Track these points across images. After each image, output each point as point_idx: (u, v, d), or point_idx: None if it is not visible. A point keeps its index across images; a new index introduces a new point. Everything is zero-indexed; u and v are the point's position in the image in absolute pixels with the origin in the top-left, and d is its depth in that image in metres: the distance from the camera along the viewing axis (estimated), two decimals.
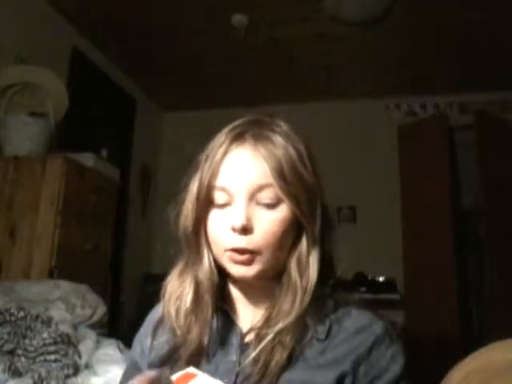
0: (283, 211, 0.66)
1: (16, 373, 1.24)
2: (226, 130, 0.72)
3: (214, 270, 0.70)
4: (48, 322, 1.45)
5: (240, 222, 0.64)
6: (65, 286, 1.79)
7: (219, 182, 0.67)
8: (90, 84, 3.34)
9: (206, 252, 0.70)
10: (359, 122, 4.06)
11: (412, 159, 3.76)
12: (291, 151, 0.68)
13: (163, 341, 0.72)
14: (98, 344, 1.50)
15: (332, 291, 0.71)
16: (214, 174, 0.68)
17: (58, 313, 1.58)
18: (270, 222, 0.65)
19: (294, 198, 0.66)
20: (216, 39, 3.25)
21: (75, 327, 1.56)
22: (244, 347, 0.67)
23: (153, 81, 3.96)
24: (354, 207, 3.98)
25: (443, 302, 3.32)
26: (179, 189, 0.73)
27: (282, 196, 0.65)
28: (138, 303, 3.68)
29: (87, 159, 2.30)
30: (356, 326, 0.66)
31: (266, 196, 0.66)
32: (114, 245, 2.59)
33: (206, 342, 0.67)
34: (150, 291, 3.81)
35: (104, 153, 2.63)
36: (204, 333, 0.68)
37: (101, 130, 3.50)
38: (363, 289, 3.43)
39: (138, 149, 4.05)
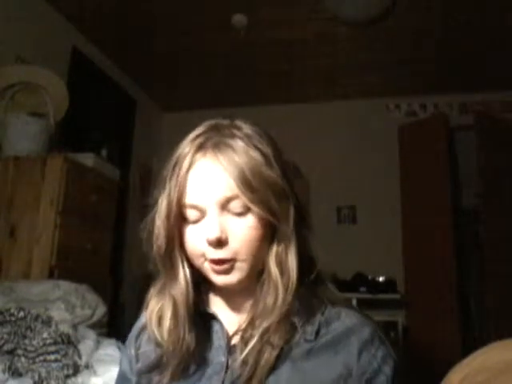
0: (255, 217, 0.66)
1: (16, 373, 1.24)
2: (188, 138, 0.71)
3: (190, 286, 0.71)
4: (48, 322, 1.45)
5: (214, 235, 0.64)
6: (65, 286, 1.79)
7: (188, 199, 0.67)
8: (89, 84, 3.34)
9: (180, 268, 0.71)
10: (359, 122, 4.06)
11: (412, 159, 3.76)
12: (254, 155, 0.67)
13: (149, 349, 0.72)
14: (98, 344, 1.50)
15: (319, 290, 0.71)
16: (181, 192, 0.68)
17: (57, 313, 1.58)
18: (243, 229, 0.66)
19: (262, 203, 0.65)
20: (216, 39, 3.25)
21: (75, 327, 1.56)
22: (231, 349, 0.68)
23: (153, 81, 3.96)
24: (354, 207, 3.98)
25: (443, 302, 3.32)
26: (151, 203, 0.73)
27: (249, 204, 0.65)
28: (137, 303, 3.68)
29: (87, 159, 2.30)
30: (344, 327, 0.66)
31: (236, 206, 0.66)
32: (114, 245, 2.59)
33: (191, 349, 0.68)
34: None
35: (104, 153, 2.63)
36: (189, 343, 0.68)
37: (101, 130, 3.49)
38: (363, 289, 3.43)
39: (138, 149, 4.05)
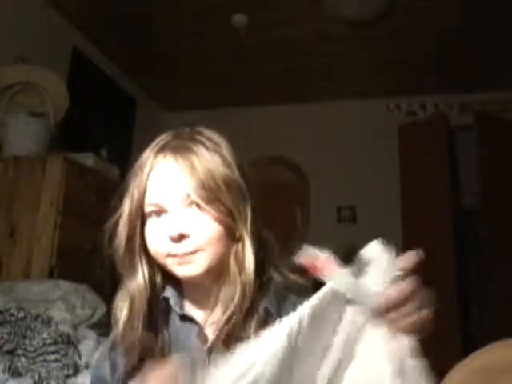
0: (212, 211, 0.69)
1: (16, 373, 1.24)
2: (150, 146, 0.77)
3: (148, 284, 0.73)
4: (48, 322, 1.45)
5: (176, 232, 0.68)
6: (65, 286, 1.79)
7: (149, 199, 0.71)
8: (90, 84, 3.34)
9: (139, 266, 0.74)
10: (359, 122, 4.05)
11: (412, 159, 3.76)
12: (212, 157, 0.72)
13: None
14: (97, 344, 1.50)
15: (282, 278, 0.75)
16: (142, 193, 0.72)
17: (58, 313, 1.58)
18: (203, 223, 0.69)
19: (216, 202, 0.69)
20: (216, 39, 3.25)
21: (75, 327, 1.56)
22: (204, 343, 0.71)
23: (153, 81, 3.96)
24: (354, 207, 3.98)
25: (443, 302, 3.31)
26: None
27: (200, 203, 0.69)
28: None
29: (87, 159, 2.30)
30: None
31: (194, 203, 0.69)
32: None
33: (154, 347, 0.71)
34: None
35: (104, 153, 2.63)
36: (146, 341, 0.71)
37: (101, 130, 3.49)
38: None
39: (137, 149, 4.03)
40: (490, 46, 3.23)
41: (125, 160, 3.80)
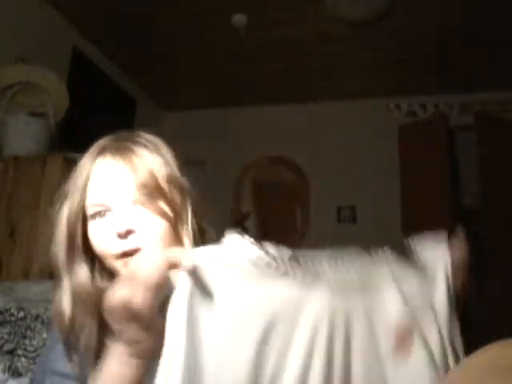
0: (158, 209, 0.71)
1: (16, 373, 1.24)
2: (89, 150, 0.78)
3: (89, 281, 0.74)
4: (48, 323, 1.45)
5: (123, 228, 0.69)
6: None
7: (92, 200, 0.72)
8: (89, 84, 3.34)
9: (79, 265, 0.74)
10: (359, 122, 4.06)
11: (412, 159, 3.76)
12: (152, 155, 0.75)
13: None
14: None
15: None
16: (83, 194, 0.72)
17: None
18: (148, 219, 0.70)
19: (162, 199, 0.72)
20: (216, 39, 3.25)
21: None
22: None
23: (153, 81, 3.96)
24: (354, 207, 3.98)
25: None
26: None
27: (148, 203, 0.70)
28: None
29: None
30: None
31: (135, 200, 0.71)
32: None
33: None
34: None
35: None
36: (91, 333, 0.71)
37: (101, 130, 3.48)
38: None
39: None
40: (490, 46, 3.23)
41: None
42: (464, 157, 3.89)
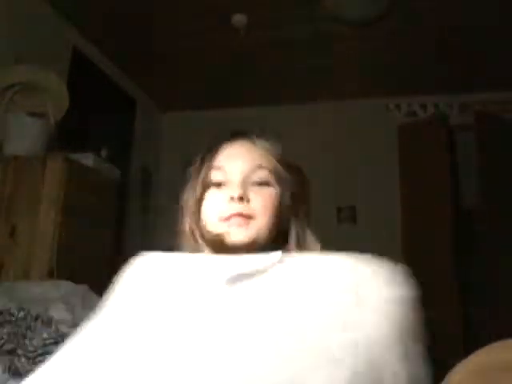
0: (272, 189, 0.77)
1: (16, 373, 1.24)
2: (213, 140, 0.84)
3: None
4: (48, 322, 1.45)
5: (238, 193, 0.73)
6: (65, 285, 1.79)
7: (217, 162, 0.78)
8: (89, 84, 3.34)
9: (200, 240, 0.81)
10: (359, 122, 4.05)
11: (412, 159, 3.76)
12: (274, 149, 0.83)
13: None
14: None
15: None
16: (212, 160, 0.79)
17: (57, 313, 1.58)
18: (262, 195, 0.76)
19: (280, 177, 0.79)
20: (216, 39, 3.25)
21: (75, 327, 1.56)
22: None
23: (153, 81, 3.95)
24: (354, 207, 3.98)
25: (443, 302, 3.32)
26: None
27: (271, 175, 0.77)
28: None
29: (87, 159, 2.30)
30: None
31: (257, 176, 0.77)
32: (114, 245, 2.59)
33: None
34: None
35: (104, 153, 2.63)
36: None
37: (101, 130, 3.49)
38: None
39: (138, 149, 4.05)
40: (490, 46, 3.23)
41: (125, 160, 3.81)
42: (464, 157, 3.89)
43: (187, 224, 0.82)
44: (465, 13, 2.87)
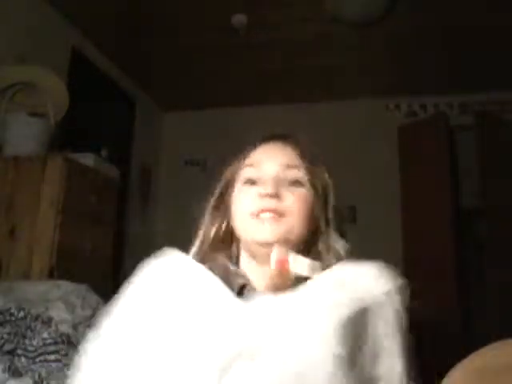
0: (305, 191, 0.76)
1: (16, 373, 1.24)
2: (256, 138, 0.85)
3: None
4: (48, 322, 1.45)
5: (271, 189, 0.72)
6: (65, 285, 1.78)
7: (250, 160, 0.79)
8: (89, 84, 3.34)
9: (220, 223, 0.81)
10: (359, 122, 4.05)
11: (412, 159, 3.76)
12: (312, 151, 0.83)
13: None
14: None
15: None
16: (245, 158, 0.80)
17: (57, 313, 1.58)
18: (295, 195, 0.75)
19: (314, 179, 0.77)
20: (216, 39, 3.25)
21: (75, 327, 1.56)
22: None
23: (153, 81, 3.96)
24: (354, 207, 3.98)
25: (443, 302, 3.32)
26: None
27: (305, 175, 0.76)
28: None
29: (87, 159, 2.30)
30: None
31: (292, 175, 0.76)
32: (114, 245, 2.59)
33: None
34: None
35: (104, 153, 2.63)
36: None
37: (101, 130, 3.49)
38: None
39: (137, 149, 4.05)
40: (490, 46, 3.23)
41: (125, 160, 3.81)
42: (464, 157, 3.89)
43: (213, 224, 0.81)
44: (465, 13, 2.87)
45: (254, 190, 0.75)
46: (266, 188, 0.73)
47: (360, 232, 3.87)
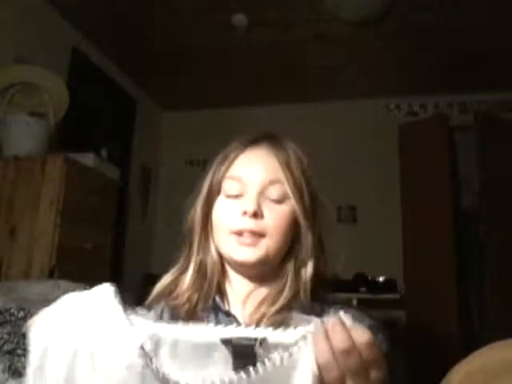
0: (288, 207, 0.73)
1: (16, 373, 1.24)
2: (238, 138, 0.79)
3: (219, 261, 0.76)
4: None
5: (252, 208, 0.70)
6: (65, 285, 1.78)
7: (233, 172, 0.74)
8: (90, 84, 3.34)
9: (211, 241, 0.76)
10: (359, 122, 4.05)
11: (412, 159, 3.76)
12: (299, 157, 0.77)
13: None
14: None
15: (324, 293, 0.76)
16: (228, 167, 0.75)
17: None
18: (277, 213, 0.72)
19: (299, 193, 0.73)
20: (216, 39, 3.25)
21: None
22: None
23: (153, 81, 3.96)
24: (354, 207, 3.98)
25: (443, 302, 3.32)
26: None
27: (289, 191, 0.72)
28: (137, 304, 3.67)
29: (87, 159, 2.30)
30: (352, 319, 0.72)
31: (275, 192, 0.73)
32: (114, 245, 2.59)
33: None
34: (150, 291, 3.80)
35: (104, 153, 2.63)
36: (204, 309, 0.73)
37: (101, 129, 3.49)
38: (363, 289, 3.43)
39: (138, 149, 4.05)
40: (490, 46, 3.23)
41: (125, 160, 3.81)
42: (464, 157, 3.89)
43: (206, 251, 0.77)
44: (465, 13, 2.87)
45: (235, 206, 0.72)
46: (248, 205, 0.70)
47: (360, 232, 3.89)
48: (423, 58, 3.44)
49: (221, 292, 0.76)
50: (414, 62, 3.50)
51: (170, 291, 0.76)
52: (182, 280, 0.76)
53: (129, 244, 3.78)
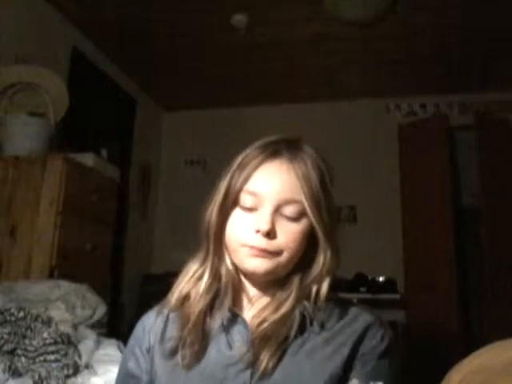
0: (303, 225, 0.72)
1: (16, 373, 1.24)
2: (257, 144, 0.77)
3: (233, 264, 0.76)
4: (48, 322, 1.45)
5: (266, 227, 0.69)
6: (65, 285, 1.79)
7: (251, 186, 0.72)
8: (90, 84, 3.34)
9: (224, 249, 0.76)
10: (359, 122, 4.05)
11: (412, 159, 3.76)
12: (319, 172, 0.75)
13: (170, 336, 0.76)
14: (98, 344, 1.50)
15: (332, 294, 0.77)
16: (246, 179, 0.73)
17: (57, 313, 1.58)
18: (292, 232, 0.71)
19: (318, 213, 0.72)
20: (216, 39, 3.25)
21: (75, 327, 1.56)
22: (246, 342, 0.72)
23: (153, 81, 3.96)
24: (354, 207, 3.98)
25: (443, 303, 3.32)
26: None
27: (308, 210, 0.71)
28: (137, 304, 3.68)
29: (87, 159, 2.30)
30: (352, 315, 0.74)
31: (291, 210, 0.71)
32: (114, 245, 2.59)
33: (215, 327, 0.73)
34: (150, 291, 3.80)
35: (104, 153, 2.63)
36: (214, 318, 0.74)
37: (101, 130, 3.49)
38: (363, 289, 3.43)
39: (138, 149, 4.05)
40: (490, 46, 3.23)
41: (125, 160, 3.81)
42: (464, 157, 3.89)
43: (221, 259, 0.77)
44: (465, 13, 2.87)
45: (249, 221, 0.72)
46: (261, 224, 0.70)
47: (360, 232, 3.89)
48: (423, 57, 3.44)
49: (233, 296, 0.77)
50: (414, 62, 3.50)
51: (187, 297, 0.77)
52: (198, 285, 0.77)
53: (129, 244, 3.78)
